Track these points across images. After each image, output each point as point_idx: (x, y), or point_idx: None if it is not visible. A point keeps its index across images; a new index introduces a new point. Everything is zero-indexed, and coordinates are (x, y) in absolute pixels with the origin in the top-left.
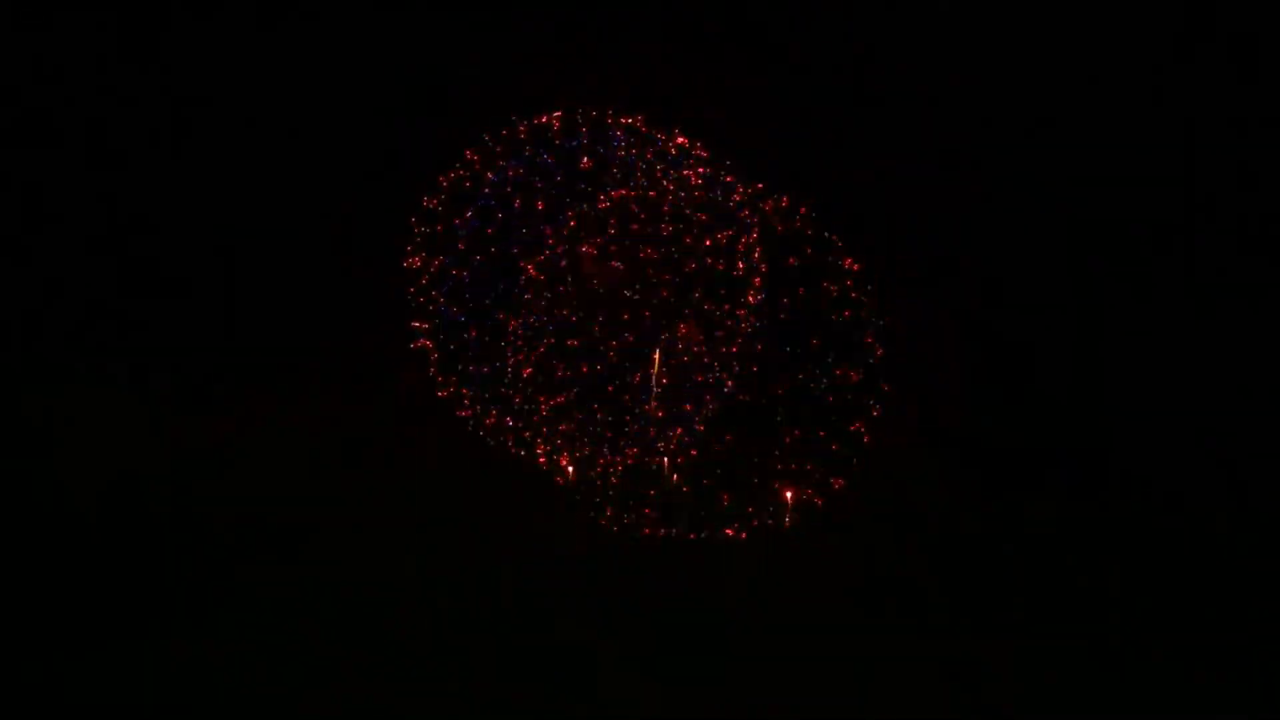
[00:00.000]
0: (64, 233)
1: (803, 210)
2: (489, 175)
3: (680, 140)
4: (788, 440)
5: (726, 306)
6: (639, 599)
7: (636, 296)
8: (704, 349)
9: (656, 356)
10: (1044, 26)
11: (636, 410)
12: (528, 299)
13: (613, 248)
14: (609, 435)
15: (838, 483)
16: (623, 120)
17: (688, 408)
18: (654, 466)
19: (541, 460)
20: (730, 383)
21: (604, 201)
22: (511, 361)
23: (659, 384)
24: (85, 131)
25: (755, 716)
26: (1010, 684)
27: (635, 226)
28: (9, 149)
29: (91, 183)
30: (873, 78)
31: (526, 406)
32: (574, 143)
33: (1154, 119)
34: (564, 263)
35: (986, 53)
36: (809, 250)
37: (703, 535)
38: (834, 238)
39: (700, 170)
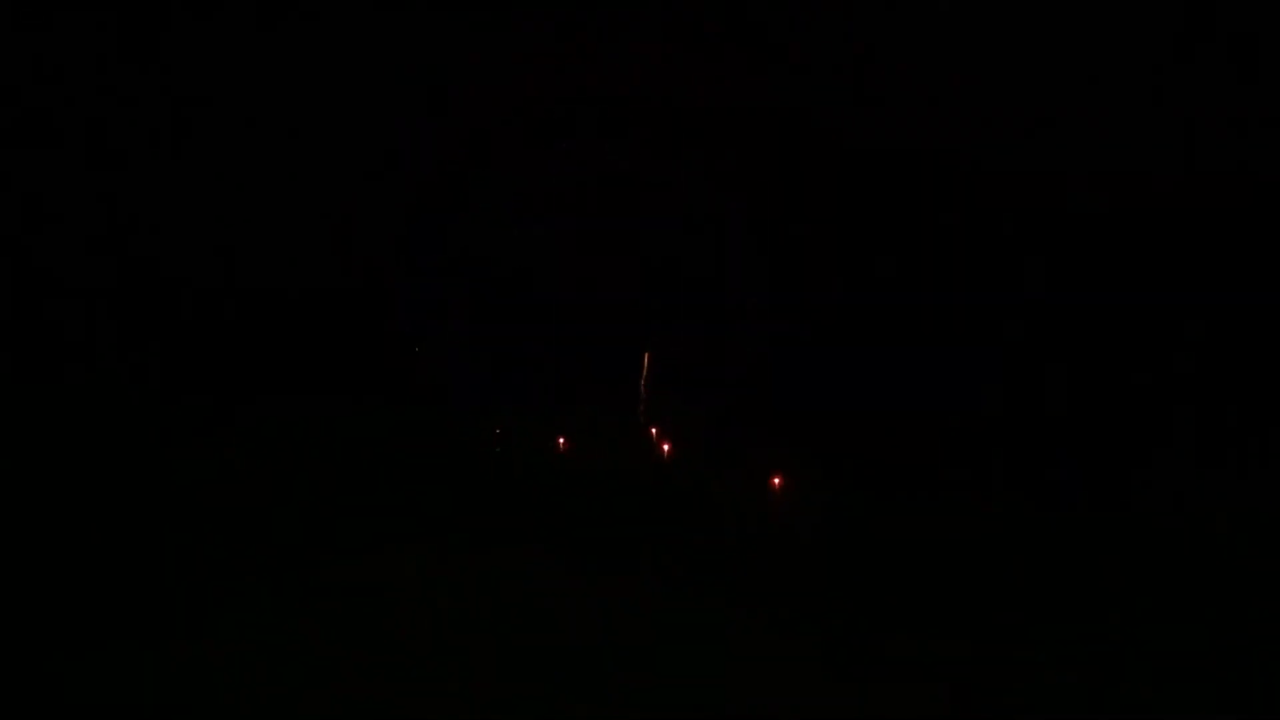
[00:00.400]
0: (64, 233)
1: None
2: (484, 175)
3: (671, 140)
4: None
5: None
6: (639, 597)
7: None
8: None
9: (647, 359)
10: (1044, 26)
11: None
12: (523, 297)
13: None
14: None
15: None
16: (616, 121)
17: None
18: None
19: (540, 454)
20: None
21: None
22: (510, 360)
23: (649, 384)
24: (85, 131)
25: (755, 716)
26: (1010, 684)
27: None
28: (9, 149)
29: (91, 183)
30: (873, 78)
31: (523, 404)
32: (564, 144)
33: (1154, 119)
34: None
35: (986, 53)
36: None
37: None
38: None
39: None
